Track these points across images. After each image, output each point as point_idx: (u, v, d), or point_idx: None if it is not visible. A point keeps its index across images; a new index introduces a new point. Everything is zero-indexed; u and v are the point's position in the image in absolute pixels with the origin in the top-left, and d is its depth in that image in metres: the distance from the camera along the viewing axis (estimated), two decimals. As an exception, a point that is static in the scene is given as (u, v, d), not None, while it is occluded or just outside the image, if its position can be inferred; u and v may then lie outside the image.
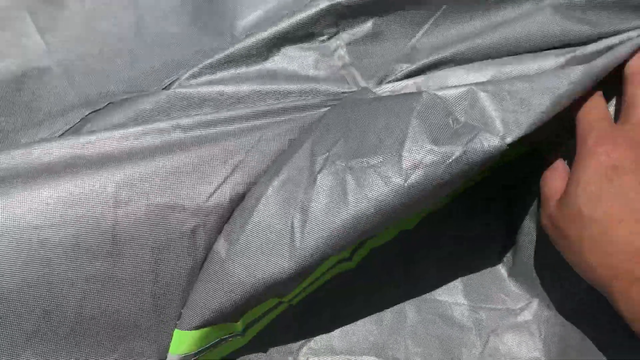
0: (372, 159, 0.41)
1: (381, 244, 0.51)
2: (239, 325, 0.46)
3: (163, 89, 0.48)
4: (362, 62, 0.48)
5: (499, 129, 0.39)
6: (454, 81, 0.45)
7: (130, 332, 0.43)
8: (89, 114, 0.48)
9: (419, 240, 0.51)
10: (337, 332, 0.50)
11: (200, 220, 0.43)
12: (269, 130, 0.45)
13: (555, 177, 0.42)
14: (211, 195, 0.43)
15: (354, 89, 0.47)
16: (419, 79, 0.46)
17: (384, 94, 0.46)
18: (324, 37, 0.49)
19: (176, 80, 0.49)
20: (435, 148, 0.40)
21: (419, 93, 0.42)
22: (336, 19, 0.48)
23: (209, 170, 0.43)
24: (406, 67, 0.47)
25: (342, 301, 0.51)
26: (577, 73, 0.40)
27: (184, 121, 0.44)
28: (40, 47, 0.51)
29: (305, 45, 0.49)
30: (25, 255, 0.39)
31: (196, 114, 0.45)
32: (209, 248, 0.43)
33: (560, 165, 0.43)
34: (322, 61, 0.49)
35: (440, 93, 0.42)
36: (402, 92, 0.45)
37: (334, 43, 0.49)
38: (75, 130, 0.47)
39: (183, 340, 0.43)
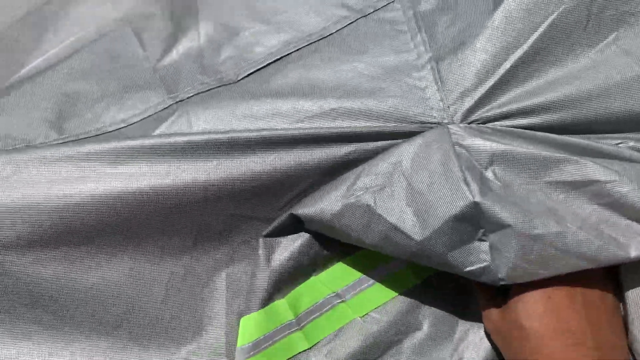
0: (394, 221, 0.44)
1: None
2: (288, 310, 0.49)
3: (237, 80, 0.50)
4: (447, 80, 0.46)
5: (503, 274, 0.42)
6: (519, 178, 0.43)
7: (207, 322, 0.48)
8: (173, 103, 0.50)
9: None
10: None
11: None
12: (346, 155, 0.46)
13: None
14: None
15: (436, 119, 0.46)
16: (495, 150, 0.43)
17: (460, 137, 0.44)
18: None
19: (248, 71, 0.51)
20: (445, 255, 0.43)
21: (468, 197, 0.42)
22: None
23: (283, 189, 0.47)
24: (492, 106, 0.45)
25: None
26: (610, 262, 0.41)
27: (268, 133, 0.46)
28: None
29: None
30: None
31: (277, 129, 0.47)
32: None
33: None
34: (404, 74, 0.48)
35: (487, 209, 0.42)
36: (474, 165, 0.44)
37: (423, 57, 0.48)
38: (158, 117, 0.50)
39: (245, 330, 0.48)
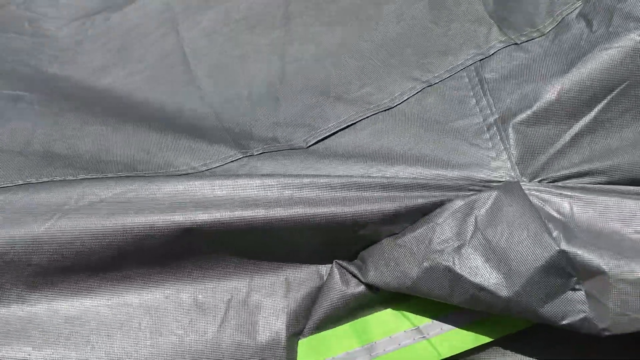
0: (478, 281, 0.43)
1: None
2: (352, 337, 0.48)
3: (307, 147, 0.52)
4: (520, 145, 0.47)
5: (606, 324, 0.41)
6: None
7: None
8: (243, 157, 0.52)
9: None
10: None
11: None
12: (412, 201, 0.46)
13: None
14: None
15: (505, 178, 0.47)
16: (571, 201, 0.44)
17: (533, 194, 0.45)
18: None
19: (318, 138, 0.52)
20: (539, 309, 0.42)
21: (553, 246, 0.41)
22: None
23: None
24: (559, 167, 0.46)
25: None
26: None
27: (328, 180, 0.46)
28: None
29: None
30: None
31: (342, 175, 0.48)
32: None
33: None
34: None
35: (575, 255, 0.41)
36: (552, 214, 0.44)
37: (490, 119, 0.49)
38: (228, 169, 0.51)
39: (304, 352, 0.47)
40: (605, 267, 0.40)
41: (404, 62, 0.55)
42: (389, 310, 0.48)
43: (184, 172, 0.51)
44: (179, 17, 0.66)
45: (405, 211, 0.46)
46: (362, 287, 0.47)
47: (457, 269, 0.43)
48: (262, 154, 0.52)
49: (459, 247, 0.44)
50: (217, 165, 0.52)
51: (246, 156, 0.52)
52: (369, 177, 0.47)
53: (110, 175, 0.49)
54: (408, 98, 0.53)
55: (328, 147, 0.52)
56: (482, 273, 0.43)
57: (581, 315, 0.41)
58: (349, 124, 0.52)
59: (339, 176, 0.47)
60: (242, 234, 0.45)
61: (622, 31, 0.46)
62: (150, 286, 0.45)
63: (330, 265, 0.48)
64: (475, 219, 0.45)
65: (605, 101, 0.46)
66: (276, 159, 0.51)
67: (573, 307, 0.41)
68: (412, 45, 0.56)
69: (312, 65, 0.58)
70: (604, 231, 0.42)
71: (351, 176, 0.47)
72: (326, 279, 0.48)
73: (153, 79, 0.61)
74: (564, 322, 0.41)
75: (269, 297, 0.47)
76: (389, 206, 0.46)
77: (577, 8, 0.51)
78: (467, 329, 0.47)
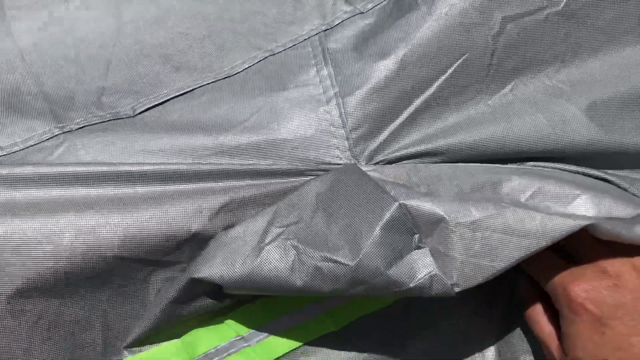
0: (323, 252, 0.40)
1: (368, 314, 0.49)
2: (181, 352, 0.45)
3: (134, 115, 0.47)
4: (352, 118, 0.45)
5: (454, 278, 0.40)
6: (439, 191, 0.42)
7: None
8: (60, 133, 0.47)
9: (409, 324, 0.49)
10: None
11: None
12: (245, 192, 0.44)
13: (541, 321, 0.44)
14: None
15: (342, 160, 0.45)
16: (409, 169, 0.44)
17: (370, 172, 0.43)
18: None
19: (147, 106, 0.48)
20: (386, 272, 0.39)
21: (391, 202, 0.40)
22: None
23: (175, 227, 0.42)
24: (397, 147, 0.44)
25: None
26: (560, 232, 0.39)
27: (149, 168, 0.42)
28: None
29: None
30: None
31: (169, 164, 0.44)
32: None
33: (538, 308, 0.44)
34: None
35: (414, 208, 0.40)
36: (388, 180, 0.43)
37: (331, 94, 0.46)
38: (44, 147, 0.46)
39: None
40: (443, 213, 0.39)
41: (251, 31, 0.51)
42: (219, 319, 0.46)
43: None
44: None
45: (240, 201, 0.43)
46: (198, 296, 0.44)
47: (300, 244, 0.41)
48: (82, 128, 0.47)
49: (301, 225, 0.42)
50: (30, 145, 0.46)
51: (63, 132, 0.46)
52: (197, 164, 0.44)
53: None
54: (249, 67, 0.49)
55: (157, 116, 0.47)
56: (327, 244, 0.40)
57: (429, 273, 0.39)
58: (184, 91, 0.48)
59: (170, 163, 0.43)
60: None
61: None
62: None
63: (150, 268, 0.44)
64: (316, 197, 0.43)
65: (444, 76, 0.44)
66: (96, 133, 0.46)
67: (420, 265, 0.40)
68: (260, 12, 0.52)
69: (152, 28, 0.53)
70: (443, 186, 0.42)
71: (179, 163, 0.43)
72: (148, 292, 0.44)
73: None
74: (412, 284, 0.39)
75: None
76: (221, 198, 0.43)
77: None
78: (287, 332, 0.46)
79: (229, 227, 0.44)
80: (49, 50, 0.52)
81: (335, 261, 0.39)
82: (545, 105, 0.45)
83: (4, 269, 0.40)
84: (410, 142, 0.44)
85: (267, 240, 0.42)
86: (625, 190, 0.45)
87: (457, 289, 0.39)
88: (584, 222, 0.38)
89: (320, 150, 0.44)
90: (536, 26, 0.44)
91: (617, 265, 0.40)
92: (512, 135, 0.44)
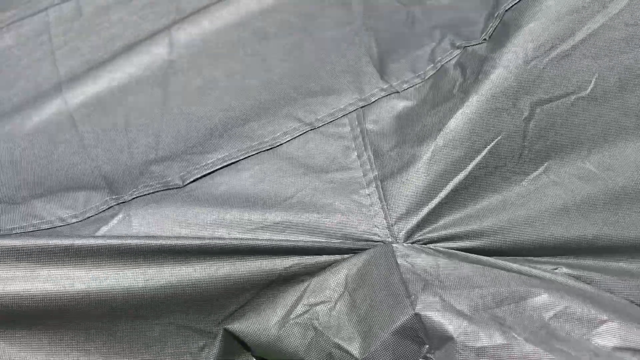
0: (337, 340, 0.43)
1: None
2: None
3: (184, 185, 0.50)
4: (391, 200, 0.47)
5: None
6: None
7: None
8: (115, 205, 0.49)
9: None
10: None
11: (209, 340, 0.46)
12: (287, 265, 0.46)
13: None
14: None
15: (380, 237, 0.47)
16: (441, 264, 0.44)
17: (402, 260, 0.45)
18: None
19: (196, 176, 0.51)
20: None
21: (409, 310, 0.42)
22: None
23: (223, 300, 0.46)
24: (434, 227, 0.46)
25: None
26: None
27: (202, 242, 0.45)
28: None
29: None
30: None
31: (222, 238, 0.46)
32: None
33: None
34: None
35: (428, 320, 0.41)
36: (417, 272, 0.44)
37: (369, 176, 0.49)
38: (100, 218, 0.49)
39: None
40: (453, 333, 0.40)
41: (288, 101, 0.54)
42: None
43: (50, 226, 0.48)
44: (57, 42, 0.61)
45: (282, 275, 0.46)
46: None
47: (320, 326, 0.44)
48: (136, 199, 0.50)
49: (326, 307, 0.45)
50: (88, 216, 0.49)
51: (118, 203, 0.49)
52: (252, 240, 0.46)
53: None
54: (291, 139, 0.52)
55: (206, 188, 0.50)
56: (343, 332, 0.43)
57: None
58: (230, 162, 0.51)
59: (220, 238, 0.46)
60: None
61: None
62: None
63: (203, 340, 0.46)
64: (346, 279, 0.45)
65: (479, 157, 0.47)
66: (150, 205, 0.49)
67: None
68: (297, 84, 0.55)
69: (196, 98, 0.56)
70: (463, 294, 0.43)
71: (236, 238, 0.46)
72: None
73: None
74: None
75: None
76: (266, 274, 0.45)
77: (456, 56, 0.52)
78: None
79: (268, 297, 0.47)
80: (100, 121, 0.55)
81: (347, 351, 0.43)
82: (577, 190, 0.46)
83: None
84: (447, 222, 0.46)
85: (292, 316, 0.45)
86: None
87: None
88: None
89: (360, 229, 0.47)
90: (565, 110, 0.47)
91: None
92: (545, 221, 0.46)
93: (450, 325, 0.41)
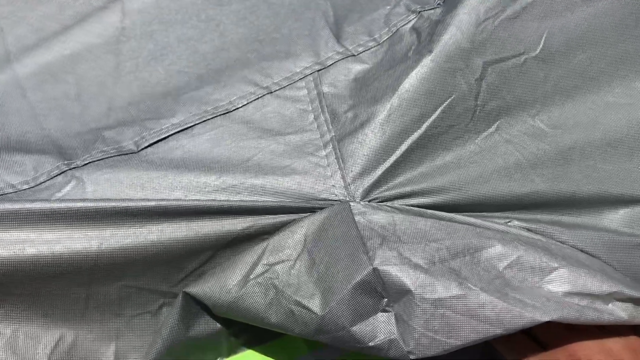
0: (298, 297, 0.44)
1: None
2: None
3: (138, 150, 0.49)
4: (348, 160, 0.48)
5: (411, 346, 0.41)
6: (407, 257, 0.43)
7: None
8: (67, 170, 0.48)
9: None
10: None
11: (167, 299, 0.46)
12: (245, 227, 0.46)
13: None
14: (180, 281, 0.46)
15: (338, 197, 0.47)
16: (397, 220, 0.45)
17: (360, 217, 0.45)
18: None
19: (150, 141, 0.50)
20: (350, 328, 0.42)
21: (367, 265, 0.42)
22: None
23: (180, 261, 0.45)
24: (390, 185, 0.47)
25: None
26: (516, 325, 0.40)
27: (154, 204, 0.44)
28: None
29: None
30: None
31: (174, 200, 0.45)
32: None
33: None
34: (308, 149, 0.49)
35: (387, 275, 0.42)
36: (375, 229, 0.45)
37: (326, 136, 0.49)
38: (52, 185, 0.48)
39: None
40: (411, 286, 0.41)
41: (244, 65, 0.54)
42: None
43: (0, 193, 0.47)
44: (2, 11, 0.59)
45: (240, 236, 0.46)
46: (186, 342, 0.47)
47: (280, 284, 0.44)
48: (88, 164, 0.49)
49: (286, 265, 0.45)
50: (39, 182, 0.48)
51: (70, 169, 0.48)
52: (210, 201, 0.45)
53: None
54: (247, 103, 0.51)
55: (161, 153, 0.49)
56: (303, 290, 0.43)
57: (389, 337, 0.42)
58: (185, 126, 0.50)
59: (176, 200, 0.45)
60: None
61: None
62: None
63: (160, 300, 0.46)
64: (304, 237, 0.45)
65: (433, 116, 0.47)
66: (104, 170, 0.48)
67: (382, 328, 0.42)
68: (252, 48, 0.55)
69: (149, 65, 0.55)
70: (419, 247, 0.43)
71: (188, 200, 0.45)
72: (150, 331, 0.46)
73: None
74: (371, 344, 0.42)
75: (95, 346, 0.45)
76: (224, 234, 0.45)
77: (411, 21, 0.53)
78: None
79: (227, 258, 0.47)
80: (52, 89, 0.54)
81: (307, 308, 0.43)
82: (528, 148, 0.48)
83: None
84: (403, 180, 0.47)
85: (252, 275, 0.45)
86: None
87: (412, 357, 0.41)
88: (542, 319, 0.39)
89: (318, 188, 0.47)
90: (515, 70, 0.48)
91: (587, 350, 0.41)
92: (497, 177, 0.47)
93: (408, 278, 0.41)
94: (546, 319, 0.39)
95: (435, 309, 0.41)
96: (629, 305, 0.41)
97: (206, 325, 0.48)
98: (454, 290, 0.41)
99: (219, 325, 0.48)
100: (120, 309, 0.45)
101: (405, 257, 0.42)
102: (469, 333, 0.40)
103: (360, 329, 0.42)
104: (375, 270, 0.42)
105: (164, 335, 0.46)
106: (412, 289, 0.41)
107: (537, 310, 0.40)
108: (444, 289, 0.41)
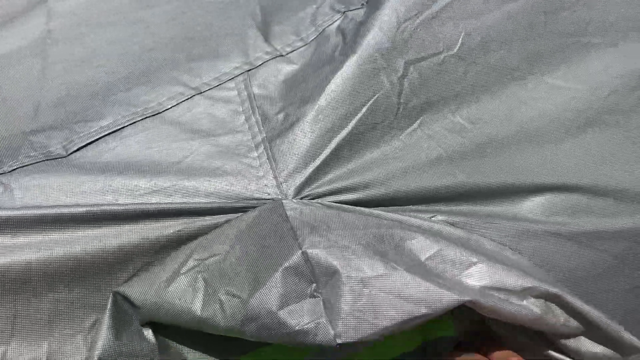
0: (228, 287, 0.44)
1: None
2: None
3: (68, 155, 0.49)
4: (279, 159, 0.49)
5: (338, 328, 0.41)
6: (339, 237, 0.44)
7: None
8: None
9: None
10: None
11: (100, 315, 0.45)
12: (178, 229, 0.46)
13: None
14: None
15: (271, 195, 0.48)
16: (328, 214, 0.46)
17: (292, 212, 0.46)
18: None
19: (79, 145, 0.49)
20: (277, 313, 0.42)
21: (296, 249, 0.43)
22: None
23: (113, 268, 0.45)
24: (320, 182, 0.48)
25: None
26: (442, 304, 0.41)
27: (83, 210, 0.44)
28: None
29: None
30: None
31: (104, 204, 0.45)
32: None
33: None
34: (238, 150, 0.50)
35: (315, 258, 0.43)
36: (306, 221, 0.46)
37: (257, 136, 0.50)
38: None
39: None
40: (338, 266, 0.42)
41: (173, 66, 0.54)
42: None
43: None
44: None
45: (173, 238, 0.46)
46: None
47: (211, 276, 0.44)
48: (16, 170, 0.48)
49: (216, 259, 0.45)
50: None
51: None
52: (141, 204, 0.45)
53: None
54: (177, 104, 0.52)
55: (91, 157, 0.49)
56: (233, 280, 0.44)
57: (315, 320, 0.42)
58: (114, 129, 0.50)
59: (107, 204, 0.45)
60: None
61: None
62: None
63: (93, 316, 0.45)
64: (236, 233, 0.46)
65: (359, 115, 0.49)
66: (32, 175, 0.47)
67: (309, 310, 0.42)
68: (181, 49, 0.55)
69: (77, 67, 0.55)
70: (347, 234, 0.45)
71: (117, 204, 0.45)
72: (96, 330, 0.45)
73: None
74: (297, 327, 0.42)
75: None
76: (156, 237, 0.45)
77: (336, 21, 0.54)
78: None
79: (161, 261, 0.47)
80: None
81: (235, 295, 0.43)
82: (448, 142, 0.50)
83: None
84: (333, 177, 0.48)
85: (183, 270, 0.45)
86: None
87: (339, 340, 0.41)
88: (463, 298, 0.41)
89: (251, 189, 0.48)
90: (435, 68, 0.50)
91: None
92: (421, 172, 0.49)
93: (335, 259, 0.42)
94: (467, 298, 0.41)
95: (362, 288, 0.41)
96: (542, 302, 0.43)
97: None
98: (380, 269, 0.42)
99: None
100: (51, 329, 0.43)
101: (333, 241, 0.44)
102: (395, 313, 0.41)
103: (286, 313, 0.42)
104: (304, 253, 0.43)
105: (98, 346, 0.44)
106: (340, 268, 0.42)
107: (458, 291, 0.41)
108: (369, 269, 0.42)
